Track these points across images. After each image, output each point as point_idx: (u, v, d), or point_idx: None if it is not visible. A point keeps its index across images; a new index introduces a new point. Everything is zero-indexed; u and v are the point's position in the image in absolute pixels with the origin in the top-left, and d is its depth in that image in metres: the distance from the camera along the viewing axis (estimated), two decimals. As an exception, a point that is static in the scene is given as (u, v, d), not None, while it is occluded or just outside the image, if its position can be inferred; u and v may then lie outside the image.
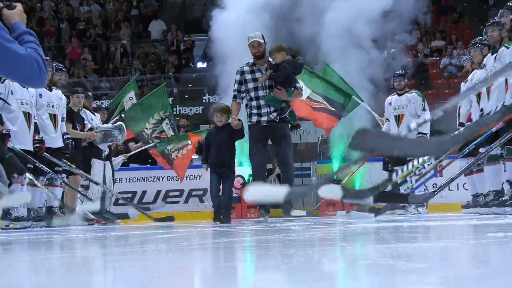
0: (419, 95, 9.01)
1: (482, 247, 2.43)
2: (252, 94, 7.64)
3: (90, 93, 9.61)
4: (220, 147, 7.70)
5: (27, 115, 7.19)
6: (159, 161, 10.76)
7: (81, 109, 9.00)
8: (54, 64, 8.49)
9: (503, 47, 6.56)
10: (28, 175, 6.77)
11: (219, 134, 7.81)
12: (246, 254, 3.03)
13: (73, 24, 19.94)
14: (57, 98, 8.01)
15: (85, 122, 8.97)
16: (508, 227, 4.36)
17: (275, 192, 2.81)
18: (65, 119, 8.23)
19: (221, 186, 7.95)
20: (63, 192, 8.43)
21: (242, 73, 7.73)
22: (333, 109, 10.10)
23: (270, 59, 7.73)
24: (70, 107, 8.62)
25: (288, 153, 7.55)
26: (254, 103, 7.62)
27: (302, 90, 8.01)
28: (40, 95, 7.66)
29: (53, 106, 7.85)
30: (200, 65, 19.37)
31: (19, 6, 3.14)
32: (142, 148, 10.60)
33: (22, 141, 7.02)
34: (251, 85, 7.64)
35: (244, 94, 7.83)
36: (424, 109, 8.74)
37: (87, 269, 2.22)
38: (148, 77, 17.40)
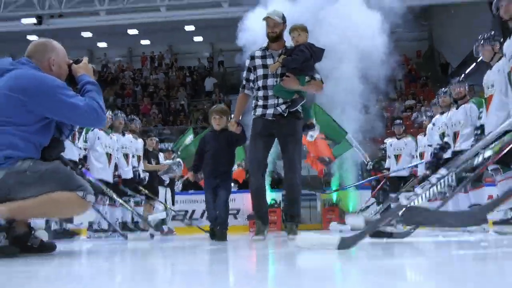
0: (412, 140, 8.65)
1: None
2: (260, 82, 4.68)
3: (156, 138, 9.63)
4: (216, 154, 5.04)
5: (109, 156, 7.01)
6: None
7: (155, 150, 8.87)
8: (129, 116, 8.46)
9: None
10: (107, 197, 6.59)
11: (216, 139, 5.12)
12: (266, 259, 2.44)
13: (145, 87, 20.29)
14: (128, 141, 7.77)
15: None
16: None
17: (327, 240, 2.30)
18: (141, 157, 8.03)
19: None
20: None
21: (252, 58, 4.78)
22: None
23: (288, 44, 4.74)
24: (146, 148, 8.42)
25: (295, 156, 4.58)
26: (261, 93, 4.71)
27: (322, 82, 4.78)
28: (116, 140, 7.47)
29: (126, 148, 7.63)
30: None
31: (84, 60, 3.02)
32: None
33: (103, 174, 6.84)
34: (260, 71, 4.70)
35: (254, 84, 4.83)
36: (416, 151, 8.34)
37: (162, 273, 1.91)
38: (199, 125, 17.50)
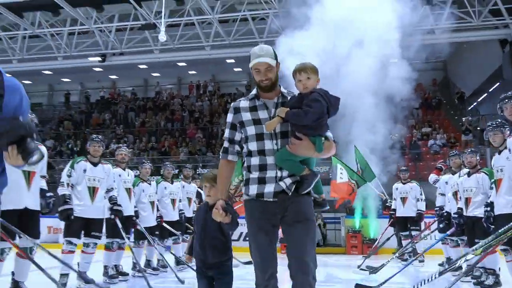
0: (418, 185, 8.49)
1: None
2: (253, 146, 2.68)
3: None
4: (203, 237, 3.09)
5: (152, 203, 6.80)
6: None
7: None
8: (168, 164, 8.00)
9: None
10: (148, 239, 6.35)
11: (208, 216, 2.91)
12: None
13: (192, 113, 20.44)
14: (176, 188, 7.45)
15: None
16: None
17: None
18: (192, 199, 7.83)
19: None
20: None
21: (236, 111, 2.77)
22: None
23: (283, 89, 2.79)
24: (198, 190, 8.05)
25: (307, 250, 2.54)
26: (255, 161, 2.67)
27: (334, 141, 2.84)
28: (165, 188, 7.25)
29: (173, 194, 7.35)
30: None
31: None
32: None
33: (149, 221, 6.66)
34: (251, 130, 2.70)
35: (242, 147, 2.79)
36: (421, 194, 8.31)
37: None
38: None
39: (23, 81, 23.76)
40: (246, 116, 2.67)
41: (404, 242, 8.14)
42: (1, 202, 4.25)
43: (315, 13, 9.67)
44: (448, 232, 6.11)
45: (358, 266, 7.19)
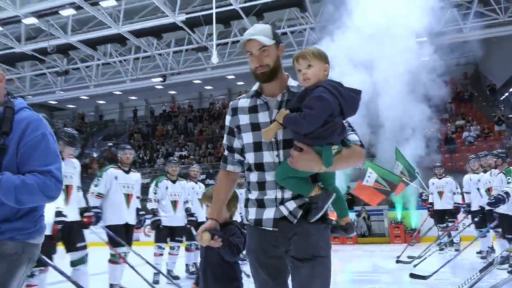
0: (452, 179, 8.30)
1: None
2: (251, 157, 1.80)
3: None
4: (209, 264, 2.21)
5: (174, 203, 6.00)
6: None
7: None
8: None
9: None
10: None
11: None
12: None
13: None
14: (180, 188, 6.32)
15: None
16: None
17: None
18: None
19: None
20: None
21: (234, 112, 1.88)
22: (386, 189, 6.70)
23: (293, 82, 1.84)
24: None
25: None
26: (253, 177, 1.80)
27: (362, 146, 1.76)
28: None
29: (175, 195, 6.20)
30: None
31: None
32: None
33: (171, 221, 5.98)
34: (248, 137, 1.81)
35: (244, 156, 1.87)
36: (457, 188, 8.12)
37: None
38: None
39: (99, 101, 25.37)
40: (244, 119, 1.87)
41: (440, 233, 8.20)
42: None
43: (349, 23, 9.81)
44: (491, 225, 6.05)
45: (398, 257, 7.13)
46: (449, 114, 16.78)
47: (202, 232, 1.89)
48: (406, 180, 7.04)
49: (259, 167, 1.81)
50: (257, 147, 1.81)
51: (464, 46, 15.15)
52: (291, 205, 1.76)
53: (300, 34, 16.23)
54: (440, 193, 8.38)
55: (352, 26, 9.69)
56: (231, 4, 13.08)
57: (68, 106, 25.93)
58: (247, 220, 1.88)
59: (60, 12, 13.12)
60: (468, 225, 7.34)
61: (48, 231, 3.49)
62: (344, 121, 1.76)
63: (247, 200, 1.88)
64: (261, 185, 1.80)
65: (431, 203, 8.43)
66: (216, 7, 12.70)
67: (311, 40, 15.27)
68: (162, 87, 21.83)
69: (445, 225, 8.12)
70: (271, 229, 1.78)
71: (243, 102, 1.89)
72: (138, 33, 15.34)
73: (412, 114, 10.43)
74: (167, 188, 5.95)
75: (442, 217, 8.25)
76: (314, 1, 14.54)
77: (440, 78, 11.03)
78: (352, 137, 1.80)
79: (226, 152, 1.99)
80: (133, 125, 24.18)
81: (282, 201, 1.77)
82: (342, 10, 9.81)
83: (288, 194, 1.77)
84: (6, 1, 12.59)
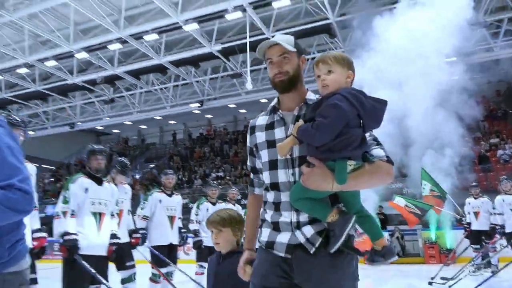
0: (488, 199, 8.10)
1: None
2: (267, 177, 1.64)
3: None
4: None
5: (171, 218, 5.36)
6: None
7: None
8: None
9: None
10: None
11: (216, 266, 2.16)
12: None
13: None
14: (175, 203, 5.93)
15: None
16: None
17: None
18: None
19: None
20: None
21: (252, 130, 1.78)
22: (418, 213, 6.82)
23: (312, 95, 1.69)
24: None
25: None
26: (270, 196, 1.63)
27: (390, 162, 1.48)
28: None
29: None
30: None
31: None
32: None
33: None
34: (264, 155, 1.66)
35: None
36: (494, 208, 7.73)
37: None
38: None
39: (141, 126, 26.35)
40: (261, 137, 1.73)
41: (474, 254, 7.90)
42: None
43: (377, 46, 9.86)
44: None
45: (432, 278, 6.85)
46: (481, 132, 16.22)
47: (245, 265, 1.69)
48: (439, 196, 7.02)
49: (275, 186, 1.63)
50: (272, 165, 1.64)
51: (496, 64, 14.78)
52: (309, 230, 1.52)
53: (330, 58, 16.35)
54: (476, 213, 8.12)
55: (381, 49, 9.75)
56: (263, 33, 13.46)
57: (113, 131, 27.11)
58: (259, 241, 1.69)
59: (108, 46, 13.96)
60: (505, 246, 7.06)
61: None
62: (368, 134, 1.54)
63: (263, 220, 1.70)
64: (277, 206, 1.63)
65: (469, 223, 8.16)
66: (250, 36, 13.11)
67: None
68: (199, 111, 22.47)
69: (479, 246, 7.84)
70: (283, 255, 1.54)
71: (261, 120, 1.78)
72: (177, 63, 16.00)
73: (444, 134, 10.27)
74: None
75: (478, 238, 8.00)
76: (343, 27, 14.70)
77: (471, 97, 10.80)
78: (377, 152, 1.55)
79: (251, 175, 1.85)
80: (172, 148, 24.85)
81: (298, 225, 1.54)
82: (369, 34, 9.90)
83: (304, 217, 1.54)
84: (61, 38, 13.55)
